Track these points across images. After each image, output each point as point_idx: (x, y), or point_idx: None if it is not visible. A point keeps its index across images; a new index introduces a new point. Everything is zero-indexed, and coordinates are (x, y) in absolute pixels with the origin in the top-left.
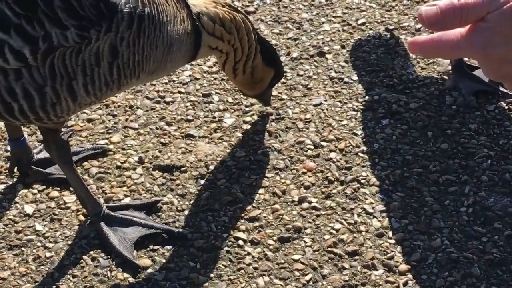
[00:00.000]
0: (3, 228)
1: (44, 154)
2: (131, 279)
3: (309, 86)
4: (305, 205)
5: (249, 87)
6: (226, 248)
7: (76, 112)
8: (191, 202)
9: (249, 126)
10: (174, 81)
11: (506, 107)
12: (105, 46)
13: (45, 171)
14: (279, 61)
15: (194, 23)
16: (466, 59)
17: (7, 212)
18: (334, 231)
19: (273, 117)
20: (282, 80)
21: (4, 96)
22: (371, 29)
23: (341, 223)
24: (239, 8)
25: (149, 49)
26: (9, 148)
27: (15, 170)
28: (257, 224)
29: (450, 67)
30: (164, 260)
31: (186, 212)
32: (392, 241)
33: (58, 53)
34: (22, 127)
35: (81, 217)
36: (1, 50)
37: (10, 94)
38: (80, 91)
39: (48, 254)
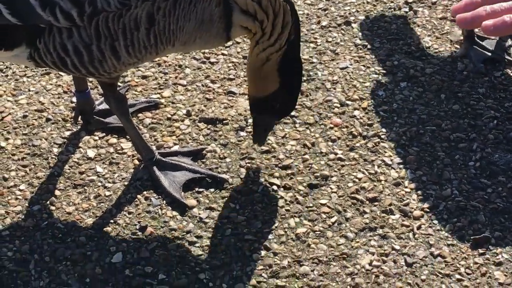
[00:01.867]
0: (69, 169)
1: (105, 106)
2: (179, 217)
3: (336, 51)
4: (331, 156)
5: (252, 78)
6: (261, 192)
7: (124, 70)
8: (232, 150)
9: None
10: None
11: (511, 74)
12: (143, 13)
13: (105, 121)
14: (292, 82)
15: (227, 4)
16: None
17: (72, 155)
18: (357, 180)
19: (305, 78)
20: (313, 45)
21: (59, 51)
22: (392, 1)
23: (363, 172)
24: None
25: (183, 21)
26: (74, 99)
27: (79, 119)
28: (289, 171)
29: (462, 37)
30: (207, 201)
31: (227, 160)
32: (408, 190)
33: (102, 16)
34: (87, 81)
35: (136, 162)
36: (53, 10)
37: (64, 50)
38: (122, 51)
39: (107, 193)
